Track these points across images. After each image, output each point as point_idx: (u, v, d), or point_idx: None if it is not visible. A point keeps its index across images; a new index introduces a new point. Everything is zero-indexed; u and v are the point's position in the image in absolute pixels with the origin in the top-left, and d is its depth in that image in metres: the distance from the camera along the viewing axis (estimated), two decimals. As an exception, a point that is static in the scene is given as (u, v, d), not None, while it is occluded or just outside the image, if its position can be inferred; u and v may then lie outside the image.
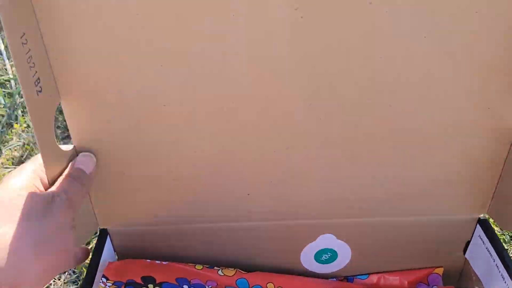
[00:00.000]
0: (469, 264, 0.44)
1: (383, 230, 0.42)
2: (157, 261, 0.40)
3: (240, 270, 0.41)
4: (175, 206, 0.39)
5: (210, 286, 0.39)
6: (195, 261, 0.42)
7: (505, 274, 0.37)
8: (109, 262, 0.38)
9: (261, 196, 0.39)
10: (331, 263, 0.44)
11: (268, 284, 0.41)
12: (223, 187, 0.38)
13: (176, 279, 0.38)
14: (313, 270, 0.45)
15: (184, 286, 0.38)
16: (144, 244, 0.41)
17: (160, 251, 0.42)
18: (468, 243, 0.44)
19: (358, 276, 0.45)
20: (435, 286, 0.45)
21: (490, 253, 0.40)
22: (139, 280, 0.38)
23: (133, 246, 0.42)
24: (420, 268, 0.45)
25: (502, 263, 0.38)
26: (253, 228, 0.41)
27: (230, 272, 0.41)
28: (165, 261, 0.40)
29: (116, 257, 0.42)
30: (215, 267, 0.41)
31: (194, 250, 0.42)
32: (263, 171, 0.37)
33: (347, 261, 0.44)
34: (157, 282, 0.38)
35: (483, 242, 0.41)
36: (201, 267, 0.41)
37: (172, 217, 0.40)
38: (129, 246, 0.42)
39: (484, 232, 0.41)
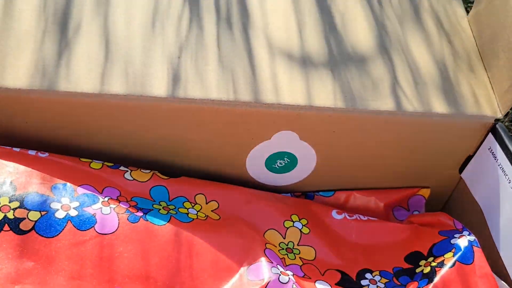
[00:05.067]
0: (465, 186, 0.34)
1: (361, 129, 0.30)
2: (29, 151, 0.27)
3: (159, 174, 0.29)
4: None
5: (106, 197, 0.26)
6: (90, 154, 0.29)
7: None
8: None
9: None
10: (288, 173, 0.32)
11: (197, 196, 0.29)
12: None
13: (53, 186, 0.25)
14: (261, 181, 0.33)
15: (63, 197, 0.25)
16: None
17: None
18: (469, 158, 0.33)
19: (321, 193, 0.34)
20: (416, 212, 0.35)
21: (505, 174, 0.29)
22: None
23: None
24: (400, 188, 0.35)
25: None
26: (179, 110, 0.28)
27: (143, 175, 0.29)
28: (42, 151, 0.28)
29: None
30: (121, 167, 0.29)
31: (88, 135, 0.29)
32: None
33: (309, 171, 0.33)
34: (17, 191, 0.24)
35: (495, 157, 0.30)
36: (100, 165, 0.28)
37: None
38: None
39: (500, 144, 0.30)
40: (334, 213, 0.32)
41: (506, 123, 0.55)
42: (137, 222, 0.25)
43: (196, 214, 0.28)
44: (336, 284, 0.27)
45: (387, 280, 0.28)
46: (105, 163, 0.28)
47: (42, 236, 0.23)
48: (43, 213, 0.23)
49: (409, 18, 0.33)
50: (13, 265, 0.22)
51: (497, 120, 0.30)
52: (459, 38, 0.33)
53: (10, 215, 0.23)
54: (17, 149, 0.26)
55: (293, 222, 0.30)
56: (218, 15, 0.30)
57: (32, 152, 0.27)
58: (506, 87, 0.29)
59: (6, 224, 0.23)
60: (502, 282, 0.28)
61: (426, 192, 0.35)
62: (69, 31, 0.28)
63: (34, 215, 0.23)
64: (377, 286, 0.28)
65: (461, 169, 0.34)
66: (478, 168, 0.32)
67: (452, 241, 0.29)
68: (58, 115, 0.27)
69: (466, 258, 0.28)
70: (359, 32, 0.31)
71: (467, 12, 0.35)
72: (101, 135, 0.29)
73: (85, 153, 0.29)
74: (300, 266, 0.28)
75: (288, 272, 0.26)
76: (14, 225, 0.23)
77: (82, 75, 0.27)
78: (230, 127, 0.29)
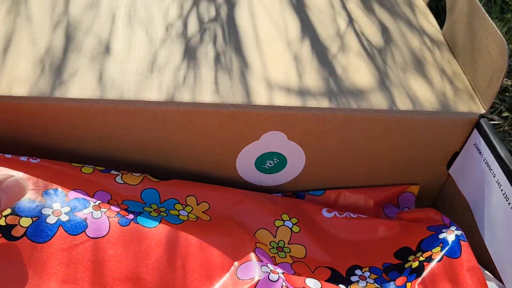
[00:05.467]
0: (453, 182, 0.34)
1: (348, 127, 0.30)
2: (21, 157, 0.27)
3: (150, 177, 0.30)
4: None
5: (97, 202, 0.26)
6: (82, 159, 0.29)
7: None
8: None
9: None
10: (277, 173, 0.33)
11: (188, 197, 0.30)
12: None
13: (45, 192, 0.25)
14: (252, 182, 0.33)
15: (54, 202, 0.25)
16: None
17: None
18: (456, 154, 0.34)
19: (312, 192, 0.34)
20: (406, 208, 0.36)
21: (490, 169, 0.30)
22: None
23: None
24: (389, 185, 0.36)
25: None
26: (168, 113, 0.28)
27: (134, 179, 0.29)
28: (34, 157, 0.28)
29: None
30: (113, 171, 0.29)
31: (79, 140, 0.29)
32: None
33: (299, 170, 0.33)
34: None
35: (480, 153, 0.31)
36: (91, 170, 0.29)
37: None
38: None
39: (484, 140, 0.30)
40: (324, 211, 0.32)
41: (506, 127, 0.55)
42: (128, 225, 0.25)
43: (187, 215, 0.28)
44: (326, 280, 0.28)
45: (377, 276, 0.29)
46: (96, 167, 0.29)
47: (34, 241, 0.23)
48: (34, 219, 0.24)
49: (412, 68, 0.33)
50: (5, 271, 0.22)
51: (481, 116, 0.31)
52: (462, 81, 0.33)
53: (2, 222, 0.23)
54: (9, 156, 0.27)
55: (284, 221, 0.30)
56: (217, 66, 0.30)
57: (23, 158, 0.27)
58: (486, 84, 0.30)
59: (-1, 231, 0.23)
60: (489, 274, 0.29)
61: (415, 189, 0.35)
62: (64, 76, 0.28)
63: (26, 221, 0.23)
64: (367, 281, 0.28)
65: (449, 166, 0.34)
66: (465, 164, 0.32)
67: (440, 235, 0.30)
68: (50, 120, 0.28)
69: (453, 252, 0.28)
70: (360, 76, 0.32)
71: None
72: (92, 139, 0.29)
73: (77, 158, 0.29)
74: (291, 264, 0.28)
75: (278, 270, 0.26)
76: (6, 231, 0.23)
77: (75, 83, 0.27)
78: (219, 129, 0.29)
